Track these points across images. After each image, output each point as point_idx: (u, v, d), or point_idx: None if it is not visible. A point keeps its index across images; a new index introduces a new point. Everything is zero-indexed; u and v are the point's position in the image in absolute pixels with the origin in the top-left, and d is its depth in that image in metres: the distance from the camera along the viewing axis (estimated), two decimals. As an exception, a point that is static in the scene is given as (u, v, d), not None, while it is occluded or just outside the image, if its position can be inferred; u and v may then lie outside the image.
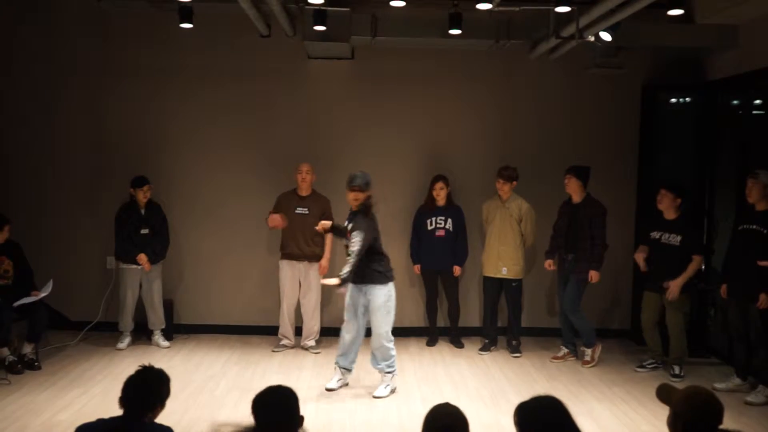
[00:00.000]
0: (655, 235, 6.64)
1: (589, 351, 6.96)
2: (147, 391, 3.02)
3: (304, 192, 7.14)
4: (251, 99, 7.68)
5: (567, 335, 7.17)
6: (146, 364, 3.14)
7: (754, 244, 5.89)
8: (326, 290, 7.46)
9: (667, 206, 6.57)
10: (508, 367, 6.83)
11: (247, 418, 2.82)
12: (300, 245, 7.10)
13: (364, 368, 6.67)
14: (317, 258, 7.17)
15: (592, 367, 6.86)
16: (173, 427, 3.02)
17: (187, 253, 7.76)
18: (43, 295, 6.52)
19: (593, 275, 6.82)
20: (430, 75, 7.73)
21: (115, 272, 7.39)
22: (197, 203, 7.73)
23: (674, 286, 6.43)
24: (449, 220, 7.37)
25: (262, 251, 7.73)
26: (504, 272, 7.16)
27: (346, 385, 6.19)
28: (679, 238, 6.49)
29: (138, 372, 3.07)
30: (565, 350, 7.17)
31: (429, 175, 7.46)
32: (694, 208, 7.18)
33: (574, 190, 6.94)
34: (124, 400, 3.01)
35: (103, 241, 7.52)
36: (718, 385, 6.07)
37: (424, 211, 7.46)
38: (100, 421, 3.01)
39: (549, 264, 7.20)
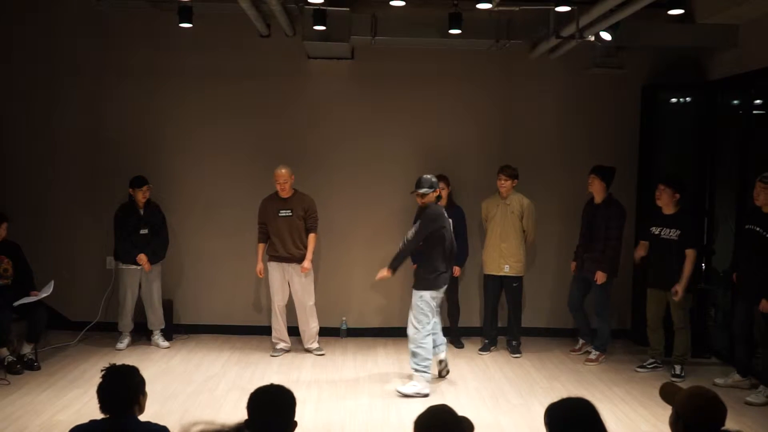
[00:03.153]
0: (655, 230, 6.64)
1: (596, 353, 6.98)
2: (122, 388, 2.97)
3: (286, 194, 7.03)
4: (251, 99, 7.67)
5: (583, 328, 7.22)
6: (107, 365, 3.07)
7: (758, 246, 5.86)
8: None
9: (666, 201, 6.56)
10: (508, 367, 6.82)
11: (242, 417, 2.79)
12: (287, 247, 6.99)
13: (364, 370, 6.68)
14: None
15: (592, 366, 6.87)
16: (173, 428, 3.01)
17: (187, 253, 7.75)
18: (43, 295, 6.52)
19: (599, 276, 6.81)
20: (430, 75, 7.73)
21: (115, 272, 7.39)
22: (197, 203, 7.73)
23: (680, 289, 6.42)
24: (450, 221, 7.33)
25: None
26: (506, 270, 7.13)
27: (447, 371, 6.48)
28: (677, 232, 6.49)
29: (104, 376, 3.00)
30: (581, 341, 7.22)
31: (429, 175, 7.44)
32: (694, 207, 7.17)
33: (596, 190, 6.94)
34: (103, 407, 2.96)
35: (102, 241, 7.51)
36: (718, 381, 6.07)
37: (424, 211, 7.43)
38: (93, 422, 2.99)
39: (574, 266, 7.21)
